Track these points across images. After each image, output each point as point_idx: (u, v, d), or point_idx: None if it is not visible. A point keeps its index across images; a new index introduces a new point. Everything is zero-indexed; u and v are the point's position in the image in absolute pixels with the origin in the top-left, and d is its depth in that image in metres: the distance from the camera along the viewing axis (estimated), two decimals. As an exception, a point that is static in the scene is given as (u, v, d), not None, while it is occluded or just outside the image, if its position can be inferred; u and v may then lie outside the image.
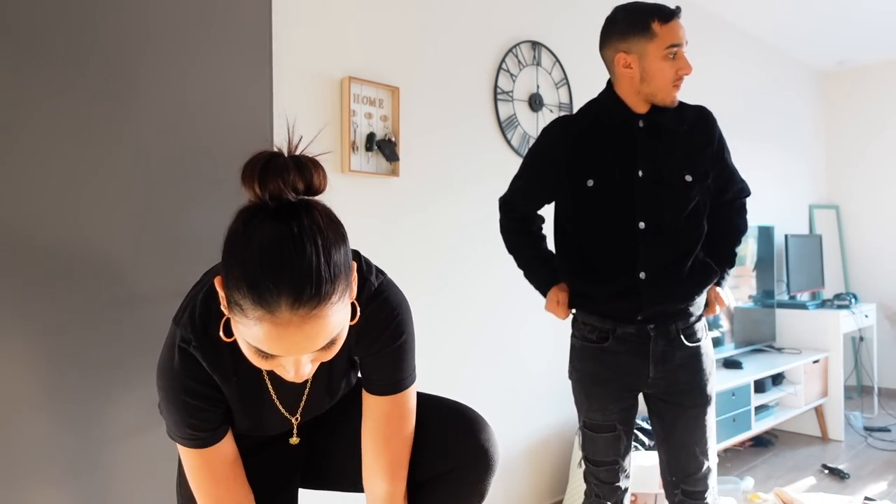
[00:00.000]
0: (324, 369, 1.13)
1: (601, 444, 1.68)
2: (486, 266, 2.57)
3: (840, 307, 4.07)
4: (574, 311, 1.73)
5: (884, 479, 3.19)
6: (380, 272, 1.12)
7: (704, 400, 1.65)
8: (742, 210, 1.78)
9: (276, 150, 0.90)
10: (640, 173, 1.60)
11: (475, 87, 2.58)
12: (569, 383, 1.77)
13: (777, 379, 3.69)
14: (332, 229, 0.88)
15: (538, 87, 2.82)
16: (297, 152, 0.92)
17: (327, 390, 1.19)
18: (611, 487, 1.69)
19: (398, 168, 2.26)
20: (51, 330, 1.46)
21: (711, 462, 1.68)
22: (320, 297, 0.84)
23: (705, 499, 1.67)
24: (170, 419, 1.06)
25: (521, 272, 1.83)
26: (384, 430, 1.15)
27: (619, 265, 1.61)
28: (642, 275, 1.60)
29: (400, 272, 2.26)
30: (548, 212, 1.79)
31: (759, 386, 3.48)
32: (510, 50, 2.69)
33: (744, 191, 1.78)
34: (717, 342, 3.48)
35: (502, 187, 2.61)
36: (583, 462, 1.75)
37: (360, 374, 1.21)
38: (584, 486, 1.77)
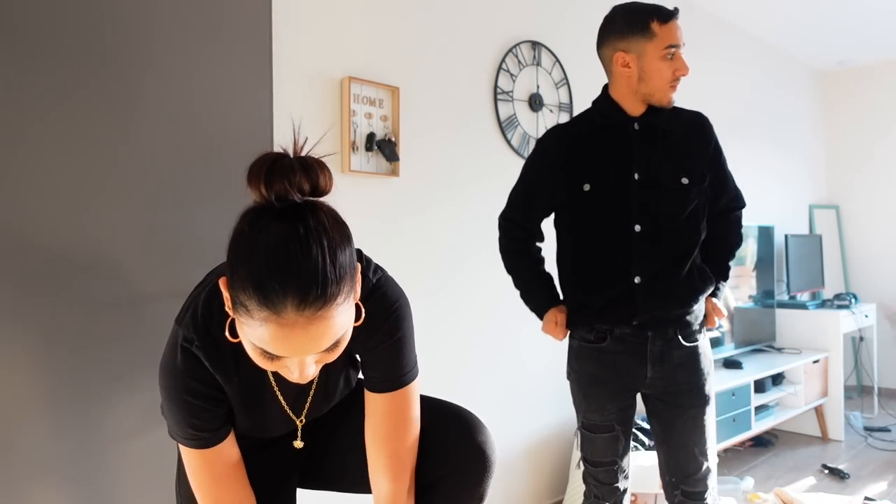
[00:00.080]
0: (321, 369, 1.13)
1: (599, 444, 1.67)
2: (486, 266, 2.57)
3: (840, 307, 4.07)
4: (570, 330, 1.73)
5: (884, 479, 3.19)
6: (378, 268, 1.12)
7: (703, 400, 1.65)
8: (736, 224, 1.77)
9: (281, 150, 0.90)
10: (636, 176, 1.60)
11: (475, 87, 2.58)
12: (568, 383, 1.77)
13: (777, 379, 3.69)
14: (338, 230, 0.88)
15: (538, 87, 2.82)
16: (303, 153, 0.91)
17: (325, 390, 1.19)
18: (610, 488, 1.69)
19: (398, 168, 2.26)
20: (52, 330, 1.46)
21: (711, 462, 1.68)
22: (326, 298, 0.84)
23: (705, 499, 1.67)
24: (172, 419, 1.06)
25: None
26: (385, 428, 1.15)
27: (615, 269, 1.62)
28: (637, 279, 1.60)
29: (400, 272, 2.26)
30: (548, 229, 1.78)
31: (759, 386, 3.48)
32: (510, 50, 2.69)
33: (738, 200, 1.77)
34: (717, 342, 3.48)
35: (502, 187, 2.62)
36: (581, 463, 1.75)
37: (361, 375, 1.21)
38: (583, 487, 1.76)
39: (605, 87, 1.70)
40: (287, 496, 1.28)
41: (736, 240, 1.77)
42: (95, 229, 1.53)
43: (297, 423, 1.20)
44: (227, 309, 0.92)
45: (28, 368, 1.44)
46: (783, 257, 4.18)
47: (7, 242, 1.41)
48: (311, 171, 0.89)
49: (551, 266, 1.78)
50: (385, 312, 1.09)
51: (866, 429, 3.98)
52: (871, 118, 5.02)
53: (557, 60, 2.89)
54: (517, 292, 1.80)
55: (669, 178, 1.61)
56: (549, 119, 2.86)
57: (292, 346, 0.85)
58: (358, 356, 1.20)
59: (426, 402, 1.25)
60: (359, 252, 1.09)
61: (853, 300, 4.14)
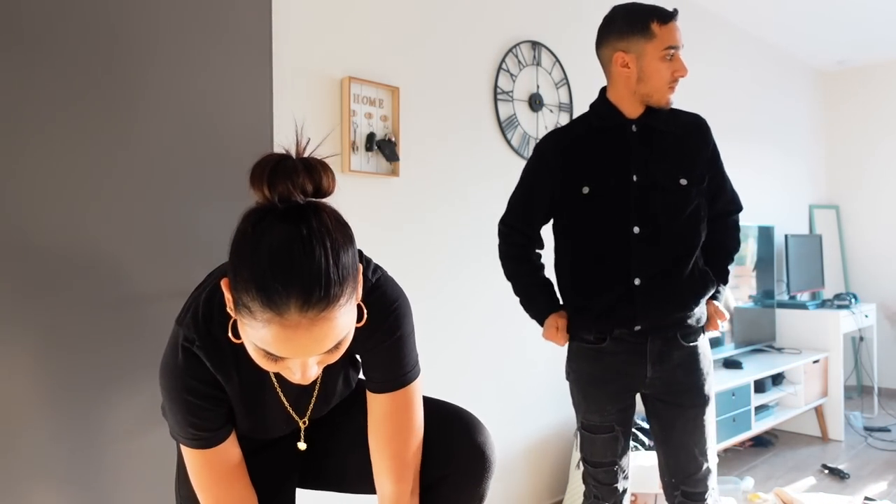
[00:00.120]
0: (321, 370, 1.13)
1: (599, 445, 1.67)
2: (486, 266, 2.57)
3: (840, 307, 4.07)
4: (570, 334, 1.72)
5: (884, 479, 3.19)
6: (378, 268, 1.12)
7: (703, 400, 1.65)
8: (734, 228, 1.77)
9: (284, 152, 0.90)
10: (635, 178, 1.60)
11: (475, 87, 2.58)
12: (567, 384, 1.77)
13: (777, 379, 3.69)
14: (341, 231, 0.88)
15: (538, 87, 2.82)
16: (305, 154, 0.91)
17: (325, 391, 1.19)
18: (609, 489, 1.69)
19: (398, 168, 2.26)
20: (52, 331, 1.46)
21: (711, 463, 1.68)
22: (329, 300, 0.84)
23: (705, 500, 1.67)
24: (172, 419, 1.06)
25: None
26: (388, 429, 1.14)
27: (614, 272, 1.61)
28: (637, 281, 1.60)
29: (400, 272, 2.26)
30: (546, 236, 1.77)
31: (759, 386, 3.48)
32: (510, 50, 2.69)
33: (735, 203, 1.76)
34: (717, 342, 3.48)
35: (502, 187, 2.62)
36: (581, 463, 1.75)
37: (360, 375, 1.21)
38: (583, 487, 1.76)
39: (603, 90, 1.71)
40: (287, 497, 1.28)
41: (734, 244, 1.77)
42: (96, 229, 1.53)
43: (301, 424, 1.20)
44: (228, 310, 0.92)
45: (29, 369, 1.44)
46: (783, 257, 4.18)
47: (8, 243, 1.41)
48: (314, 173, 0.89)
49: (549, 273, 1.78)
50: (385, 312, 1.09)
51: (866, 429, 3.98)
52: (871, 118, 5.02)
53: (557, 60, 2.89)
54: (516, 298, 1.79)
55: (668, 180, 1.61)
56: (549, 119, 2.86)
57: (295, 348, 0.84)
58: (358, 356, 1.20)
59: (425, 402, 1.25)
60: (359, 252, 1.09)
61: (853, 300, 4.14)
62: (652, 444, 2.67)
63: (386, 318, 1.09)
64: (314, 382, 1.16)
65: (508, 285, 1.79)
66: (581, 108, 2.94)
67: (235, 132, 1.76)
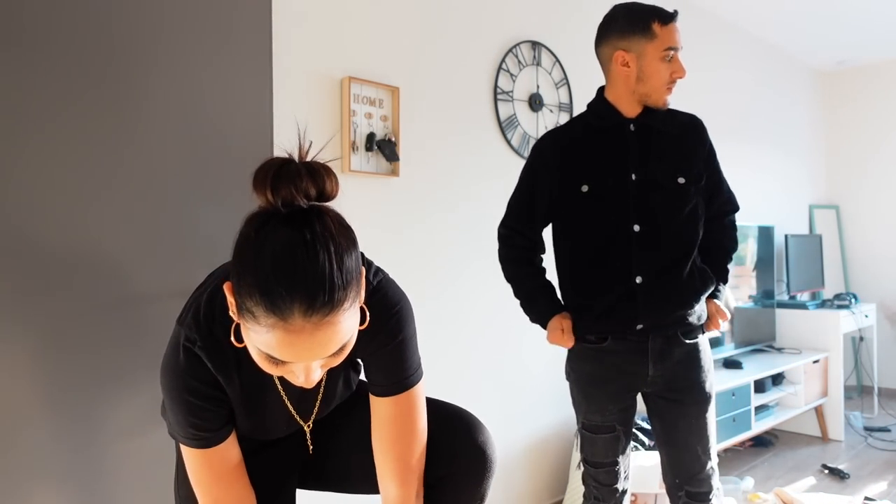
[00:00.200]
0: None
1: (600, 445, 1.67)
2: (486, 265, 2.57)
3: (840, 307, 4.07)
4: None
5: (884, 479, 3.19)
6: (379, 271, 1.12)
7: (704, 397, 1.65)
8: (731, 228, 1.78)
9: (287, 156, 0.89)
10: (634, 176, 1.61)
11: (475, 87, 2.58)
12: (567, 384, 1.76)
13: (777, 379, 3.69)
14: (344, 235, 0.88)
15: (538, 87, 2.82)
16: (308, 158, 0.91)
17: (326, 393, 1.19)
18: (610, 489, 1.69)
19: (398, 168, 2.26)
20: (52, 331, 1.46)
21: (713, 462, 1.68)
22: (333, 304, 0.84)
23: (710, 500, 1.66)
24: (173, 419, 1.06)
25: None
26: (392, 432, 1.14)
27: (616, 270, 1.61)
28: (638, 279, 1.60)
29: (400, 272, 2.26)
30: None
31: (759, 386, 3.48)
32: (510, 50, 2.69)
33: (731, 203, 1.77)
34: (717, 342, 3.48)
35: (503, 187, 2.62)
36: (582, 464, 1.74)
37: (364, 376, 1.21)
38: (583, 488, 1.76)
39: (601, 90, 1.71)
40: (287, 497, 1.28)
41: (732, 244, 1.77)
42: (96, 229, 1.53)
43: (305, 427, 1.20)
44: (231, 314, 0.92)
45: (29, 368, 1.44)
46: (783, 257, 4.18)
47: (8, 242, 1.41)
48: (317, 177, 0.88)
49: (550, 276, 1.76)
50: (387, 315, 1.09)
51: (866, 429, 3.98)
52: (871, 118, 5.02)
53: (557, 60, 2.89)
54: (517, 301, 1.77)
55: (666, 178, 1.62)
56: (549, 119, 2.86)
57: (299, 352, 0.84)
58: (360, 360, 1.19)
59: (426, 402, 1.25)
60: (361, 255, 1.08)
61: (853, 300, 4.14)
62: (652, 443, 2.68)
63: (388, 322, 1.09)
64: (317, 385, 1.16)
65: (509, 286, 1.78)
66: (581, 108, 2.93)
67: (235, 132, 1.76)
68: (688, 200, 1.63)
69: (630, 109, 1.64)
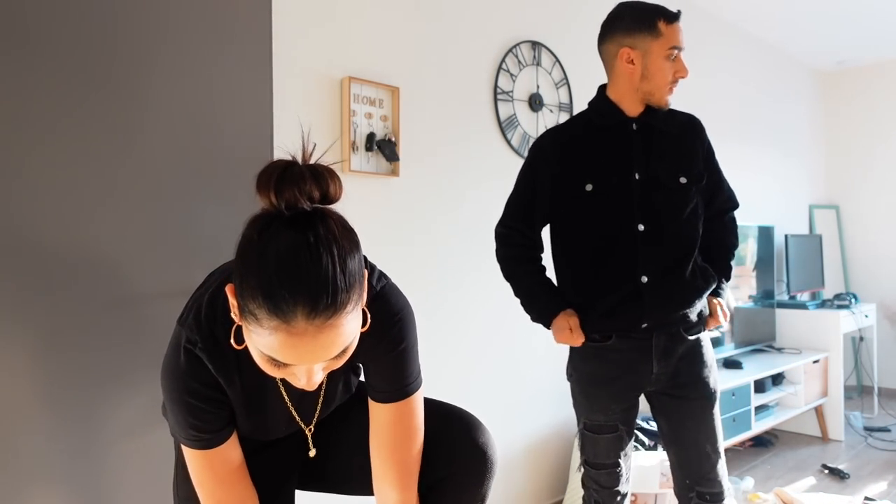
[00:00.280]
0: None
1: (603, 445, 1.66)
2: (486, 265, 2.57)
3: (840, 307, 4.07)
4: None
5: (884, 479, 3.19)
6: (382, 276, 1.11)
7: (709, 392, 1.64)
8: (732, 224, 1.78)
9: (290, 158, 0.89)
10: (636, 176, 1.61)
11: (475, 87, 2.58)
12: (567, 384, 1.75)
13: (777, 379, 3.69)
14: (347, 238, 0.88)
15: (538, 87, 2.82)
16: (311, 160, 0.91)
17: (326, 395, 1.19)
18: (611, 492, 1.67)
19: (398, 168, 2.26)
20: (52, 330, 1.46)
21: (723, 461, 1.66)
22: (336, 307, 0.83)
23: (723, 501, 1.64)
24: (173, 420, 1.06)
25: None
26: (392, 438, 1.14)
27: (621, 270, 1.61)
28: (644, 279, 1.59)
29: (400, 272, 2.26)
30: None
31: (759, 386, 3.48)
32: (510, 50, 2.69)
33: (731, 201, 1.78)
34: (717, 342, 3.48)
35: (502, 187, 2.61)
36: (582, 466, 1.72)
37: (363, 379, 1.21)
38: (583, 490, 1.75)
39: (602, 88, 1.71)
40: (286, 498, 1.27)
41: (734, 240, 1.78)
42: (96, 229, 1.53)
43: (307, 431, 1.20)
44: (233, 316, 0.92)
45: (29, 368, 1.44)
46: (783, 257, 4.18)
47: (10, 242, 1.41)
48: (321, 179, 0.88)
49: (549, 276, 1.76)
50: (389, 322, 1.08)
51: (866, 429, 3.98)
52: (870, 118, 5.02)
53: (557, 60, 2.89)
54: (517, 300, 1.74)
55: (669, 178, 1.62)
56: (549, 119, 2.86)
57: (301, 355, 0.84)
58: (360, 363, 1.19)
59: (425, 403, 1.24)
60: (363, 258, 1.08)
61: (853, 300, 4.14)
62: (652, 443, 2.68)
63: (391, 329, 1.09)
64: (317, 387, 1.16)
65: (507, 285, 1.76)
66: (581, 108, 2.93)
67: (235, 132, 1.76)
68: (689, 200, 1.64)
69: (632, 108, 1.64)
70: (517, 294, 1.73)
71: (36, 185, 1.45)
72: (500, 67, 2.65)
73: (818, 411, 3.88)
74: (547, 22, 2.87)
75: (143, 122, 1.61)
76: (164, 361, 1.05)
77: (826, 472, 3.30)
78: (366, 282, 0.93)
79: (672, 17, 1.59)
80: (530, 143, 2.76)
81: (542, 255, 1.75)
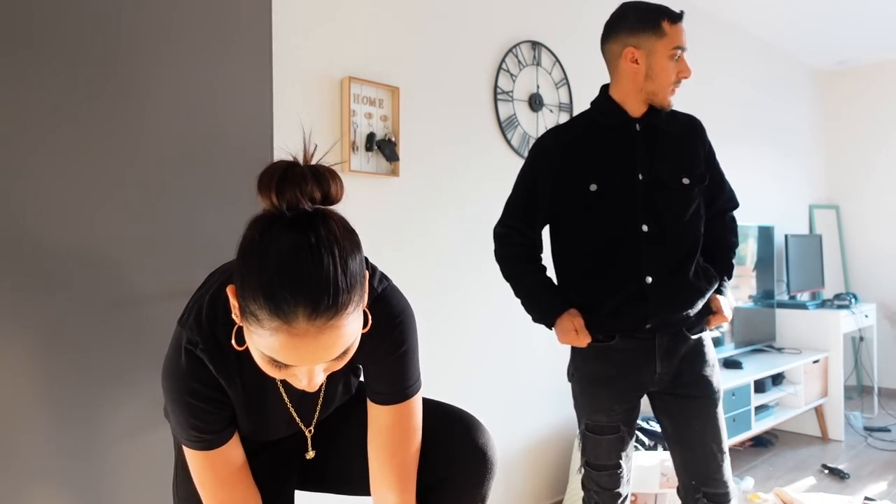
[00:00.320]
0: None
1: (604, 446, 1.65)
2: (485, 265, 2.57)
3: (840, 307, 4.07)
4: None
5: (884, 479, 3.19)
6: (384, 277, 1.11)
7: (712, 391, 1.64)
8: (732, 223, 1.79)
9: (291, 159, 0.89)
10: (640, 176, 1.60)
11: (475, 87, 2.58)
12: (568, 384, 1.75)
13: (777, 379, 3.69)
14: (348, 239, 0.88)
15: (538, 87, 2.82)
16: (313, 161, 0.91)
17: (327, 396, 1.19)
18: (611, 494, 1.66)
19: (398, 168, 2.26)
20: (51, 330, 1.46)
21: (728, 461, 1.65)
22: (337, 308, 0.83)
23: (729, 502, 1.63)
24: (175, 421, 1.06)
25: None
26: (391, 440, 1.14)
27: (625, 270, 1.60)
28: (648, 279, 1.59)
29: (400, 272, 2.26)
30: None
31: (759, 386, 3.48)
32: (510, 50, 2.69)
33: (732, 201, 1.78)
34: (717, 342, 3.48)
35: (502, 187, 2.61)
36: (583, 468, 1.71)
37: (363, 380, 1.21)
38: (583, 492, 1.74)
39: (604, 88, 1.71)
40: (286, 498, 1.27)
41: (735, 239, 1.78)
42: (96, 229, 1.53)
43: (307, 433, 1.20)
44: (234, 317, 0.92)
45: (29, 369, 1.44)
46: (783, 257, 4.18)
47: (10, 242, 1.41)
48: (322, 180, 0.88)
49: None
50: (390, 324, 1.08)
51: (866, 429, 3.98)
52: (871, 118, 5.02)
53: (557, 60, 2.89)
54: (517, 300, 1.73)
55: (672, 178, 1.62)
56: (549, 119, 2.86)
57: (303, 356, 0.84)
58: (361, 365, 1.19)
59: (425, 404, 1.24)
60: (365, 259, 1.08)
61: (853, 300, 4.14)
62: (652, 443, 2.68)
63: (392, 332, 1.09)
64: (319, 388, 1.16)
65: (507, 285, 1.74)
66: (581, 108, 2.94)
67: (235, 132, 1.76)
68: (692, 201, 1.64)
69: (636, 108, 1.64)
70: (518, 294, 1.72)
71: (37, 186, 1.45)
72: (500, 67, 2.65)
73: (818, 411, 3.88)
74: (547, 22, 2.87)
75: (143, 122, 1.61)
76: (164, 362, 1.05)
77: (826, 472, 3.30)
78: (367, 283, 0.93)
79: (676, 18, 1.60)
80: (530, 143, 2.76)
81: (542, 255, 1.75)
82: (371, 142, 2.18)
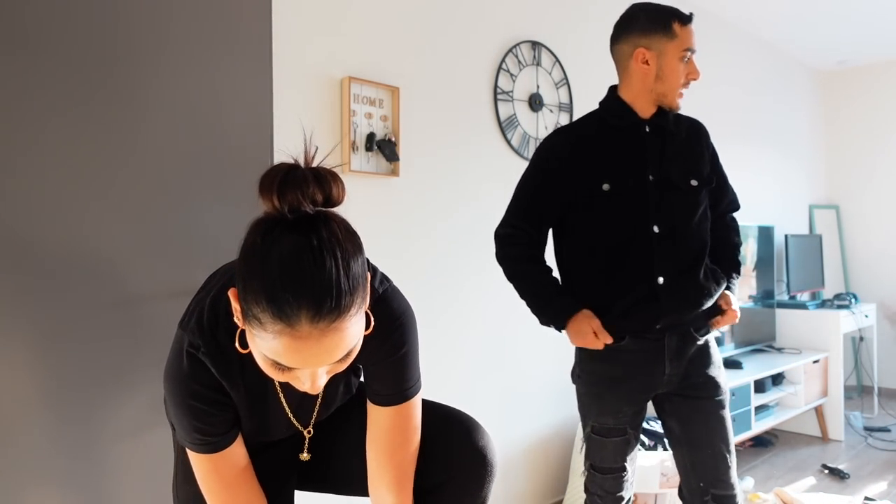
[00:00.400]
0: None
1: (610, 449, 1.63)
2: (486, 265, 2.57)
3: (840, 307, 4.07)
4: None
5: (884, 479, 3.19)
6: (385, 279, 1.11)
7: (720, 392, 1.64)
8: (734, 223, 1.80)
9: (293, 161, 0.89)
10: (651, 177, 1.60)
11: (475, 87, 2.58)
12: (569, 382, 1.74)
13: (777, 379, 3.69)
14: (350, 241, 0.88)
15: (538, 87, 2.82)
16: (314, 163, 0.91)
17: (327, 397, 1.19)
18: (614, 498, 1.64)
19: (398, 168, 2.26)
20: (51, 330, 1.46)
21: (735, 462, 1.65)
22: (340, 310, 0.83)
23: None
24: (178, 424, 1.06)
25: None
26: (389, 441, 1.14)
27: (637, 271, 1.59)
28: (660, 280, 1.59)
29: (400, 272, 2.26)
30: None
31: (759, 386, 3.48)
32: (510, 50, 2.69)
33: (735, 203, 1.80)
34: (717, 342, 3.48)
35: (502, 187, 2.62)
36: (587, 471, 1.68)
37: (363, 381, 1.21)
38: (584, 494, 1.72)
39: (612, 89, 1.70)
40: (286, 498, 1.27)
41: (738, 239, 1.80)
42: (96, 229, 1.53)
43: (305, 433, 1.20)
44: (236, 320, 0.91)
45: (29, 369, 1.44)
46: (783, 257, 4.18)
47: (9, 242, 1.41)
48: (324, 183, 0.88)
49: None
50: (391, 326, 1.08)
51: (866, 429, 3.98)
52: (870, 118, 5.02)
53: (557, 60, 2.89)
54: (522, 300, 1.69)
55: (681, 180, 1.63)
56: (549, 119, 2.86)
57: (306, 359, 0.84)
58: (361, 366, 1.19)
59: (425, 405, 1.24)
60: (366, 261, 1.08)
61: (853, 300, 4.14)
62: (652, 443, 2.68)
63: (393, 333, 1.08)
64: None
65: (507, 285, 1.71)
66: (581, 107, 2.94)
67: (235, 132, 1.76)
68: (700, 202, 1.65)
69: (645, 109, 1.64)
70: (524, 296, 1.67)
71: (37, 186, 1.45)
72: (500, 67, 2.65)
73: (818, 411, 3.88)
74: (547, 22, 2.87)
75: (143, 123, 1.61)
76: (166, 366, 1.04)
77: (826, 472, 3.30)
78: (369, 285, 0.93)
79: (686, 19, 1.61)
80: (530, 143, 2.76)
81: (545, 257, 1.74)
82: (371, 142, 2.18)
